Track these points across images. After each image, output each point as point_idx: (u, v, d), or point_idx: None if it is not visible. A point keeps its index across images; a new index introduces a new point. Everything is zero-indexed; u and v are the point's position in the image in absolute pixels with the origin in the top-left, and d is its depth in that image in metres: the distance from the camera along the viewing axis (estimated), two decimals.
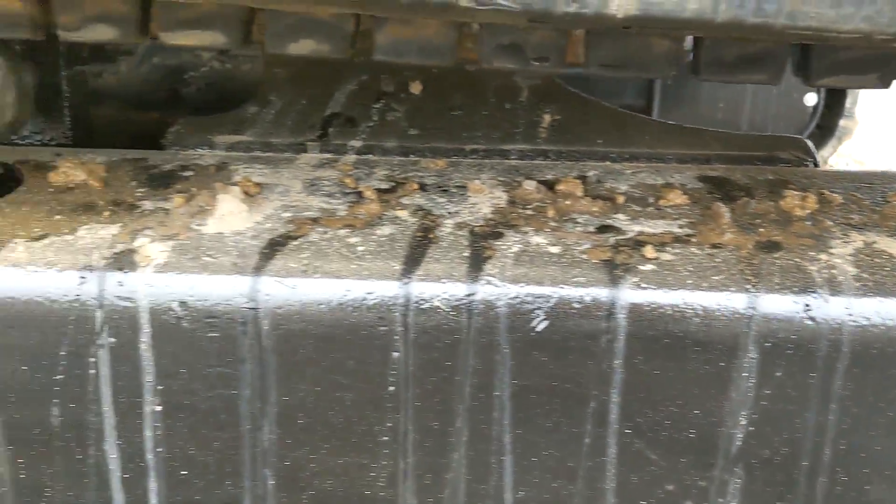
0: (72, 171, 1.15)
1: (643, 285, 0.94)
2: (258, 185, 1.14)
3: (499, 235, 1.02)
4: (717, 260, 0.98)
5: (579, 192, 1.13)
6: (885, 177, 1.23)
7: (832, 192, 1.15)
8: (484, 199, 1.12)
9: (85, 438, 1.00)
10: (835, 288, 0.94)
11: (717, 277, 0.95)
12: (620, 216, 1.08)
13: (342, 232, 1.03)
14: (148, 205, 1.09)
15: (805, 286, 0.95)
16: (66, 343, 0.96)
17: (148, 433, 0.99)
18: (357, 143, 1.30)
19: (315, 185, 1.16)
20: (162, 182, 1.16)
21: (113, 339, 0.96)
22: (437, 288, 0.95)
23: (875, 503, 0.98)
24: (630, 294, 0.94)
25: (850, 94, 2.37)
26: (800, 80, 1.09)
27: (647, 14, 0.83)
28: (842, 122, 2.35)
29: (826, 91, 2.32)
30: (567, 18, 0.83)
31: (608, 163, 1.26)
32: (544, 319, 0.93)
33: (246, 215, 1.06)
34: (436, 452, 0.99)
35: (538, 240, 1.01)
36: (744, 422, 0.96)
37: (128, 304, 0.95)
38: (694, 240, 1.02)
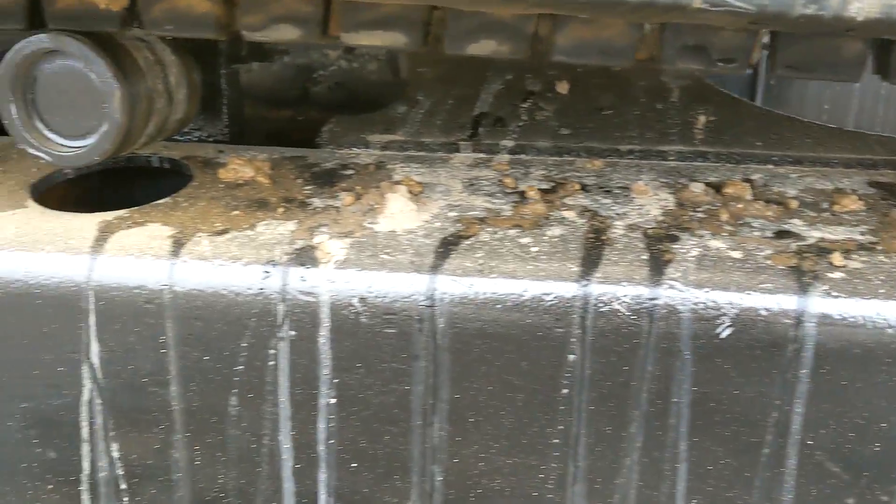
0: (241, 167, 1.18)
1: (834, 294, 0.91)
2: (420, 184, 1.15)
3: (674, 238, 1.01)
4: None
5: (748, 196, 1.10)
6: None
7: None
8: (650, 201, 1.11)
9: (260, 428, 1.02)
10: None
11: None
12: (797, 221, 1.05)
13: (512, 232, 1.03)
14: (317, 202, 1.11)
15: None
16: (248, 335, 0.99)
17: (321, 425, 1.01)
18: (509, 143, 1.30)
19: (475, 184, 1.16)
20: (326, 180, 1.18)
21: (293, 333, 0.98)
22: (618, 290, 0.94)
23: None
24: (820, 302, 0.90)
25: None
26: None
27: (890, 17, 0.80)
28: None
29: None
30: (801, 21, 0.81)
31: (770, 166, 1.23)
32: (729, 326, 0.91)
33: (414, 214, 1.07)
34: (607, 457, 0.98)
35: (717, 244, 0.98)
36: None
37: (309, 298, 0.97)
38: (879, 247, 0.99)
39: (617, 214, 1.07)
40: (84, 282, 0.99)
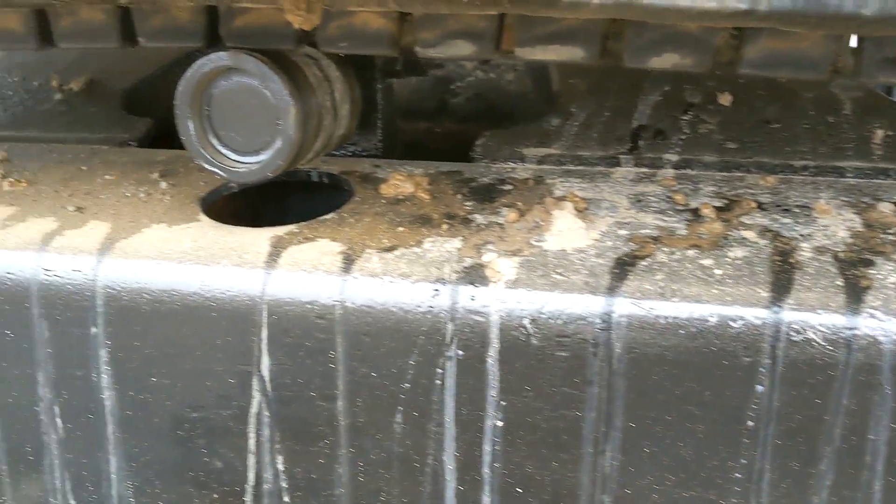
0: (401, 183, 1.18)
1: None
2: (584, 200, 1.12)
3: (869, 263, 0.93)
4: None
5: None
6: None
7: None
8: (835, 222, 1.03)
9: (424, 447, 1.01)
10: None
11: None
12: None
13: (690, 253, 0.98)
14: (480, 219, 1.09)
15: None
16: (416, 353, 0.98)
17: (487, 447, 0.99)
18: (672, 157, 1.25)
19: (642, 200, 1.12)
20: (485, 195, 1.16)
21: (461, 352, 0.97)
22: (812, 318, 0.88)
23: None
24: None
25: None
26: None
27: None
28: None
29: None
30: None
31: None
32: None
33: (583, 232, 1.04)
34: (793, 495, 0.92)
35: None
36: None
37: (479, 318, 0.96)
38: None
39: (801, 235, 1.00)
40: (258, 296, 1.01)
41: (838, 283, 0.90)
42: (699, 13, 0.78)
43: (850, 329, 0.86)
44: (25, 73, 1.73)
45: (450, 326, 0.96)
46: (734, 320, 0.89)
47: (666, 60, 0.93)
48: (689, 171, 1.22)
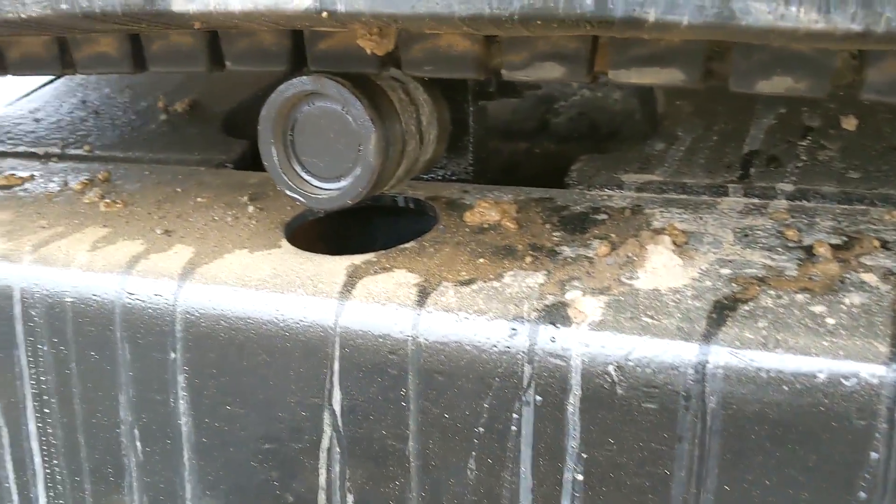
0: (487, 211, 1.12)
1: None
2: (684, 233, 1.03)
3: None
4: None
5: None
6: None
7: None
8: None
9: (499, 497, 0.95)
10: None
11: None
12: None
13: (800, 297, 0.88)
14: (568, 251, 1.02)
15: None
16: (491, 396, 0.92)
17: (565, 502, 0.92)
18: (787, 187, 1.14)
19: (749, 235, 1.02)
20: (577, 225, 1.09)
21: (539, 398, 0.90)
22: None
23: None
24: None
25: None
26: None
27: None
28: None
29: None
30: None
31: None
32: None
33: (680, 270, 0.95)
34: None
35: None
36: None
37: (559, 361, 0.89)
38: None
39: None
40: (331, 327, 0.98)
41: None
42: (806, 35, 0.69)
43: None
44: (135, 93, 1.79)
45: (527, 369, 0.90)
46: (847, 377, 0.79)
47: (776, 84, 0.84)
48: (804, 203, 1.10)
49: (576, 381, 0.88)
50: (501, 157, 1.81)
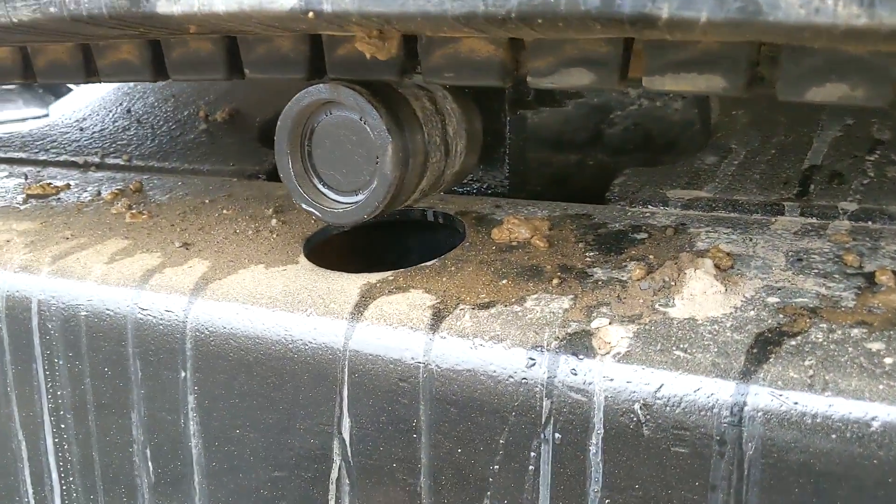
0: (516, 227, 1.05)
1: None
2: (730, 255, 0.93)
3: None
4: None
5: None
6: None
7: None
8: None
9: None
10: None
11: None
12: None
13: (855, 332, 0.77)
14: (600, 273, 0.94)
15: None
16: (507, 431, 0.84)
17: None
18: (850, 206, 1.03)
19: (803, 259, 0.92)
20: (613, 245, 1.00)
21: (558, 436, 0.82)
22: None
23: None
24: None
25: None
26: None
27: None
28: None
29: None
30: None
31: None
32: None
33: (721, 297, 0.85)
34: None
35: None
36: None
37: (580, 396, 0.80)
38: None
39: None
40: (340, 350, 0.91)
41: None
42: (846, 33, 0.59)
43: None
44: (178, 102, 1.77)
45: (546, 404, 0.82)
46: None
47: (830, 92, 0.74)
48: (868, 225, 0.99)
49: (598, 418, 0.80)
50: (550, 170, 1.72)
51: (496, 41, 0.88)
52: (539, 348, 0.83)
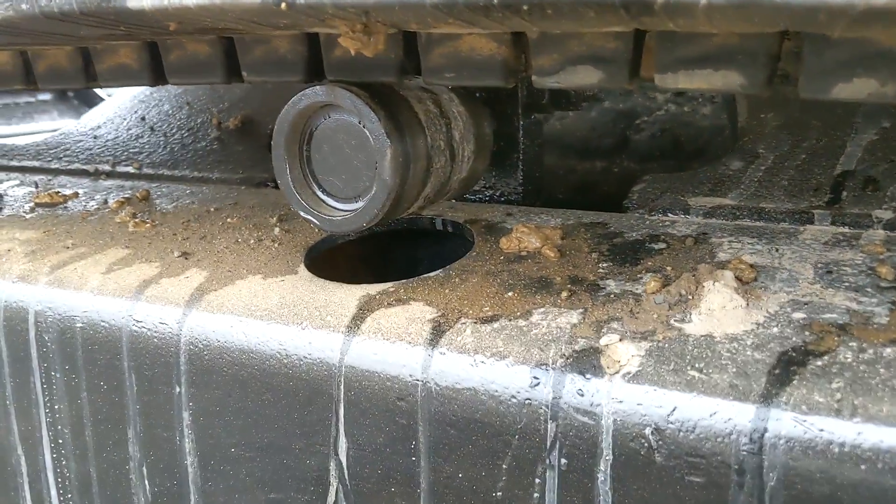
0: (526, 237, 0.99)
1: None
2: (753, 267, 0.87)
3: None
4: None
5: None
6: None
7: None
8: None
9: None
10: None
11: None
12: None
13: (888, 352, 0.70)
14: (612, 286, 0.88)
15: None
16: (510, 455, 0.78)
17: None
18: (885, 214, 0.96)
19: (833, 272, 0.85)
20: (628, 256, 0.94)
21: (564, 461, 0.76)
22: None
23: None
24: None
25: None
26: None
27: None
28: None
29: None
30: None
31: None
32: None
33: (742, 313, 0.79)
34: None
35: None
36: None
37: (587, 419, 0.74)
38: None
39: None
40: (336, 365, 0.87)
41: None
42: (865, 13, 0.53)
43: None
44: (192, 110, 1.74)
45: (551, 427, 0.76)
46: None
47: (857, 89, 0.68)
48: None
49: (606, 443, 0.74)
50: (568, 177, 1.67)
51: (497, 38, 0.83)
52: (544, 366, 0.77)
